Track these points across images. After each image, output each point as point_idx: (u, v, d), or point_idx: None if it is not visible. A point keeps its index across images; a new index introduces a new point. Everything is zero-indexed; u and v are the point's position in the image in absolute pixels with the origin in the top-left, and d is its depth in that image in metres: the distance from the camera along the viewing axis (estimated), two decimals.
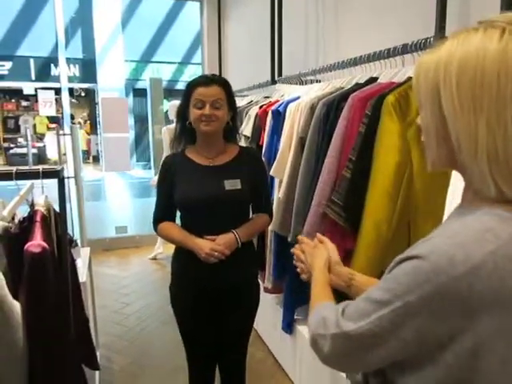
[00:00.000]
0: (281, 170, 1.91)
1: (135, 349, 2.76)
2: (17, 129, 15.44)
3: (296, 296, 2.21)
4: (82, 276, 2.10)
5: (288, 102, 2.04)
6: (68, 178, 4.12)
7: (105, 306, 3.32)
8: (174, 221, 1.62)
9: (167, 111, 4.50)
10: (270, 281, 2.29)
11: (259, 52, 3.39)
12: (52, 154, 13.46)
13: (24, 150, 13.45)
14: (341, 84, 1.84)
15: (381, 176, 1.32)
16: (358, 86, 1.62)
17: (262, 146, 2.33)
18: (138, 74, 12.37)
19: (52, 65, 11.23)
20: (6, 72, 11.49)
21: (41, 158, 13.48)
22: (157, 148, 6.61)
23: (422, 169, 1.32)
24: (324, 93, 1.81)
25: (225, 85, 1.51)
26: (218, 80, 1.51)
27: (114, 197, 7.41)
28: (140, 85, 11.98)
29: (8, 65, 11.40)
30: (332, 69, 2.02)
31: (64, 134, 4.19)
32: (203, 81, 1.48)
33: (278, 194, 1.93)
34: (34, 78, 11.50)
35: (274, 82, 2.73)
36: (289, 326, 2.28)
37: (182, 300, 1.62)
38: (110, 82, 11.42)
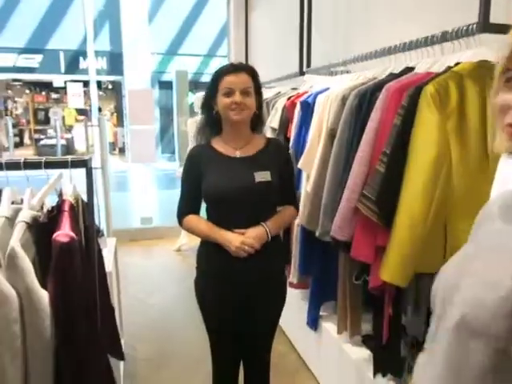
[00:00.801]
0: (309, 163, 1.86)
1: (159, 339, 2.79)
2: (47, 120, 15.87)
3: (322, 292, 2.17)
4: (108, 266, 2.11)
5: (317, 94, 1.98)
6: (95, 168, 4.19)
7: (130, 295, 3.37)
8: (198, 214, 1.59)
9: (192, 103, 4.50)
10: (296, 276, 2.25)
11: (287, 43, 3.32)
12: (80, 145, 13.80)
13: (53, 141, 13.82)
14: (373, 75, 1.77)
15: (417, 170, 1.26)
16: (392, 77, 1.55)
17: (289, 139, 2.28)
18: (164, 66, 12.46)
19: (81, 58, 11.43)
20: (36, 65, 11.78)
21: (69, 149, 13.82)
22: (181, 140, 6.64)
23: (462, 164, 1.25)
24: (356, 83, 1.74)
25: (253, 72, 1.50)
26: (246, 68, 1.50)
27: (140, 188, 7.51)
28: (166, 77, 12.06)
29: (38, 58, 11.67)
30: (363, 59, 1.94)
31: (92, 126, 4.25)
32: (232, 69, 1.46)
33: (306, 187, 1.89)
34: (63, 70, 11.74)
35: (301, 73, 2.67)
36: (314, 323, 2.24)
37: (210, 295, 1.58)
38: (137, 74, 11.54)
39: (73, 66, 11.64)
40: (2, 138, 14.00)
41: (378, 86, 1.52)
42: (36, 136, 15.66)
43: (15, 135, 15.67)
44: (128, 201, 6.94)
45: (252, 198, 1.46)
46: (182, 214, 1.58)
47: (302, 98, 2.10)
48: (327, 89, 1.99)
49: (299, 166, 1.92)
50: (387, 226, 1.35)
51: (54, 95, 16.98)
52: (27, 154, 14.45)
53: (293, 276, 2.29)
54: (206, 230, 1.51)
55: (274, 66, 3.52)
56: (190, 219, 1.56)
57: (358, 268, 1.66)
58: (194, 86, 11.15)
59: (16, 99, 17.08)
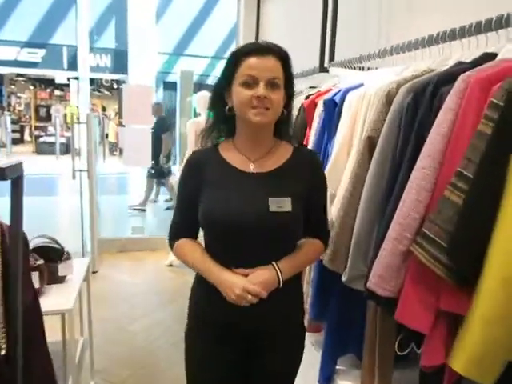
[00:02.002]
0: (335, 180, 1.40)
1: (139, 379, 2.32)
2: (48, 118, 15.51)
3: (339, 345, 1.69)
4: (69, 301, 1.65)
5: (348, 90, 1.53)
6: (80, 171, 3.77)
7: (109, 321, 2.90)
8: (196, 237, 1.24)
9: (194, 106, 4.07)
10: (306, 319, 1.79)
11: (303, 37, 2.89)
12: (81, 144, 13.42)
13: (53, 139, 13.43)
14: (428, 66, 1.32)
15: None
16: (465, 66, 1.09)
17: (305, 147, 1.83)
18: (169, 66, 12.11)
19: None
20: (39, 60, 11.43)
21: (68, 147, 13.42)
22: (182, 142, 6.25)
23: None
24: (404, 77, 1.29)
25: (285, 57, 1.12)
26: (276, 49, 1.11)
27: (135, 193, 7.07)
28: (171, 78, 11.70)
29: (41, 52, 11.33)
30: (405, 49, 1.50)
31: (79, 123, 3.81)
32: (257, 48, 1.08)
33: (330, 211, 1.43)
34: (66, 66, 11.38)
35: (322, 68, 2.22)
36: (328, 381, 1.77)
37: (199, 348, 1.22)
38: (141, 73, 11.16)
39: (76, 62, 11.27)
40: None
41: (445, 78, 1.06)
42: (36, 133, 15.29)
43: (16, 131, 15.35)
44: (121, 206, 6.47)
45: (263, 233, 1.10)
46: (174, 236, 1.23)
47: (325, 97, 1.65)
48: (361, 85, 1.54)
49: None
50: (461, 284, 0.89)
51: (57, 92, 16.66)
52: (26, 150, 14.08)
53: None
54: (201, 265, 1.15)
55: None
56: (184, 245, 1.21)
57: (401, 331, 1.20)
58: (199, 87, 10.74)
59: (19, 95, 16.78)
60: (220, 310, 1.14)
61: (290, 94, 1.16)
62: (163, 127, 5.55)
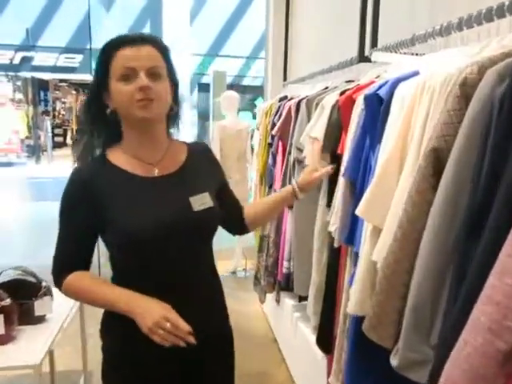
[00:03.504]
0: (379, 210, 0.98)
1: None
2: None
3: None
4: (39, 354, 1.32)
5: (397, 82, 1.11)
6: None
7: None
8: (88, 269, 1.05)
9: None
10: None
11: (339, 28, 2.47)
12: None
13: None
14: None
15: None
16: None
17: (340, 156, 1.42)
18: (204, 68, 11.94)
19: None
20: (77, 65, 11.59)
21: None
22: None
23: None
24: (487, 57, 0.85)
25: (164, 47, 1.02)
26: (152, 39, 1.00)
27: None
28: (205, 80, 11.52)
29: (79, 58, 11.48)
30: (474, 22, 1.06)
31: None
32: (130, 38, 0.97)
33: (367, 255, 1.01)
34: None
35: (362, 58, 1.79)
36: None
37: None
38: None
39: None
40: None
41: None
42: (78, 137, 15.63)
43: (60, 135, 15.78)
44: None
45: (191, 234, 1.02)
46: (60, 272, 1.02)
47: (367, 91, 1.23)
48: (416, 73, 1.11)
49: (358, 212, 1.04)
50: None
51: None
52: (68, 153, 14.40)
53: (335, 379, 1.41)
54: (107, 294, 0.97)
55: (320, 58, 2.66)
56: (79, 279, 1.01)
57: None
58: (233, 89, 10.51)
59: (64, 100, 17.26)
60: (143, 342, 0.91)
61: (175, 84, 1.04)
62: None
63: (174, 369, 1.03)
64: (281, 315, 2.64)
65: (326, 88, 1.98)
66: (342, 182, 1.30)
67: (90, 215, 0.98)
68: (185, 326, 0.88)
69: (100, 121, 1.02)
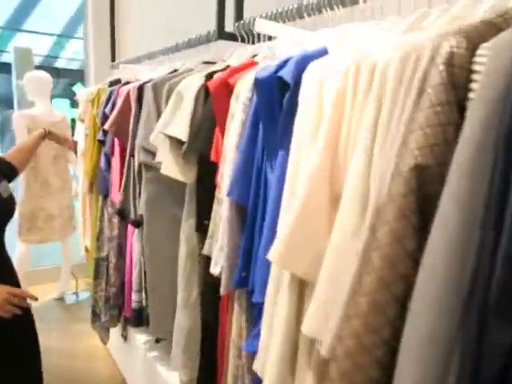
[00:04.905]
0: (305, 254, 0.64)
1: None
2: None
3: None
4: None
5: (303, 60, 0.77)
6: None
7: None
8: None
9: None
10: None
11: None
12: None
13: None
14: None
15: None
16: None
17: (215, 164, 1.02)
18: (2, 44, 9.80)
19: None
20: None
21: None
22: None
23: None
24: (463, 27, 0.57)
25: None
26: None
27: None
28: (5, 58, 9.47)
29: None
30: None
31: None
32: None
33: (284, 314, 0.66)
34: None
35: (223, 35, 1.41)
36: None
37: None
38: None
39: None
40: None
41: None
42: None
43: None
44: None
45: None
46: None
47: (259, 73, 0.85)
48: (324, 51, 0.79)
49: (271, 257, 0.67)
50: None
51: None
52: None
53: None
54: None
55: (165, 33, 2.18)
56: None
57: None
58: (48, 71, 8.90)
59: None
60: None
61: None
62: None
63: None
64: (130, 353, 2.13)
65: (176, 71, 1.55)
66: (226, 203, 0.91)
67: None
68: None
69: None
